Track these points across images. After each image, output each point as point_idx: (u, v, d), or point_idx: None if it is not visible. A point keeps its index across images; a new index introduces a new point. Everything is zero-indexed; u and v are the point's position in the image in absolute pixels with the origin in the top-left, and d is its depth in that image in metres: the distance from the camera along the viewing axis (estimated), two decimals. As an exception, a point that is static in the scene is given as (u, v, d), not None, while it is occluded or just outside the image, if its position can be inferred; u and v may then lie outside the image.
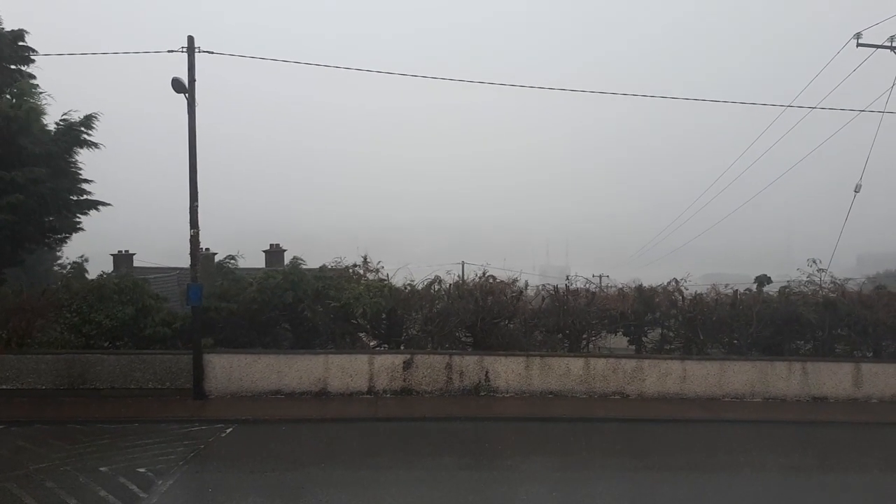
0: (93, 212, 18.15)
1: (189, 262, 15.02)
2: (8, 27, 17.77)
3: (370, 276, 16.80)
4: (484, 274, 16.88)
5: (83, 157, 17.61)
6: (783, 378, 15.83)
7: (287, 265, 17.61)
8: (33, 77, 18.37)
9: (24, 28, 17.89)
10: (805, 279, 17.31)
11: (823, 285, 17.06)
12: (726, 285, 17.79)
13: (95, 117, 17.22)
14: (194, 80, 14.76)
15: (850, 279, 18.82)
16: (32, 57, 18.46)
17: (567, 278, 17.66)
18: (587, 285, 17.68)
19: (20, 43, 18.01)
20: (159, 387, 14.88)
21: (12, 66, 17.87)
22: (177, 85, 14.25)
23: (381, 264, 17.13)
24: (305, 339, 16.26)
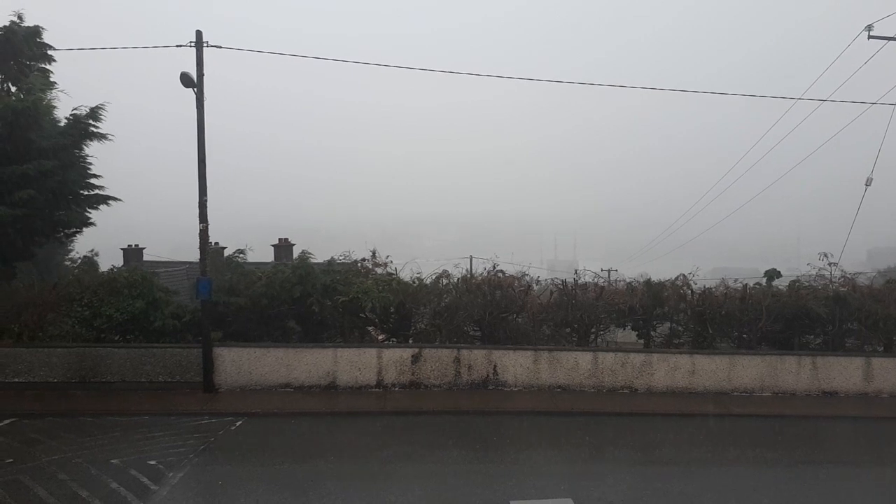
0: (103, 207, 18.21)
1: (198, 257, 15.10)
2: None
3: (378, 270, 16.84)
4: (493, 268, 16.88)
5: (93, 151, 17.66)
6: (793, 373, 15.77)
7: (296, 259, 17.65)
8: (50, 73, 18.48)
9: (41, 25, 18.10)
10: (815, 273, 17.24)
11: (833, 279, 16.98)
12: (735, 279, 17.74)
13: (103, 108, 17.26)
14: (202, 75, 14.78)
15: (860, 273, 18.71)
16: (49, 53, 18.59)
17: (575, 272, 17.64)
18: (595, 280, 17.68)
19: (37, 40, 18.15)
20: (169, 380, 14.97)
21: (29, 63, 18.03)
22: (185, 79, 14.29)
23: (389, 258, 17.20)
24: (314, 333, 16.32)
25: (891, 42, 18.03)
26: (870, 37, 17.82)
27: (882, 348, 16.83)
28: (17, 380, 14.68)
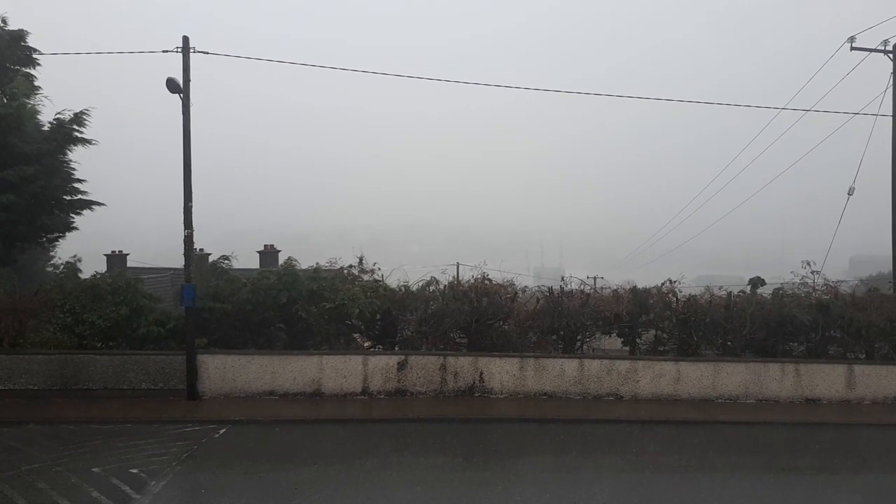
0: (86, 212, 18.09)
1: (183, 263, 14.99)
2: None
3: (365, 276, 16.77)
4: (481, 276, 16.86)
5: (77, 155, 17.55)
6: (776, 380, 15.88)
7: (282, 266, 17.56)
8: (34, 77, 18.30)
9: (25, 28, 17.93)
10: (798, 281, 17.37)
11: (816, 287, 17.11)
12: (720, 287, 17.83)
13: (87, 114, 17.15)
14: (189, 81, 14.72)
15: (842, 281, 18.89)
16: (34, 56, 18.42)
17: (562, 279, 17.69)
18: (582, 287, 17.69)
19: (22, 43, 17.98)
20: (152, 387, 14.82)
21: (13, 67, 17.85)
22: (171, 85, 14.22)
23: (376, 265, 17.11)
24: (300, 340, 16.21)
25: (872, 53, 18.32)
26: (852, 48, 18.11)
27: (864, 356, 16.98)
28: (-4, 387, 14.47)
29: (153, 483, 9.47)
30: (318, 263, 17.14)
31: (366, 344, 16.95)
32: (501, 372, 15.56)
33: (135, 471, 9.92)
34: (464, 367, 15.54)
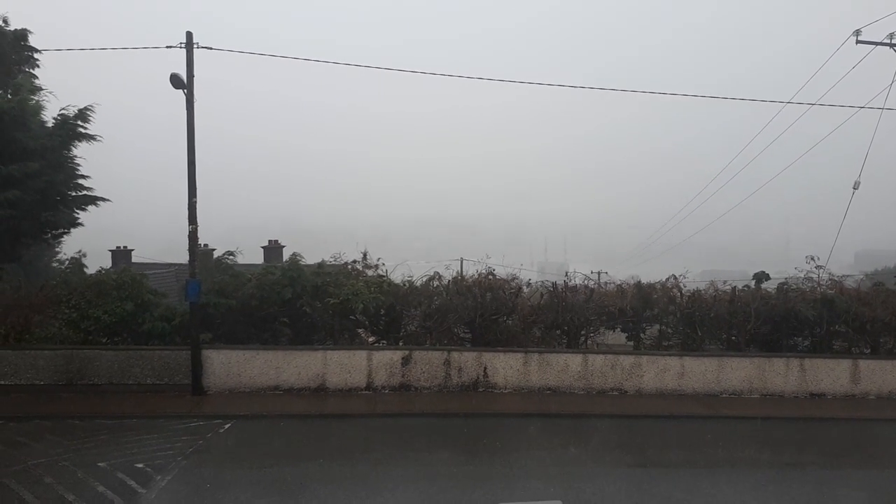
0: (91, 207, 18.11)
1: (188, 258, 15.01)
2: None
3: (369, 272, 16.79)
4: (487, 272, 16.83)
5: (82, 152, 17.57)
6: (781, 374, 15.86)
7: (286, 261, 17.58)
8: (35, 77, 18.34)
9: (28, 28, 17.97)
10: (803, 276, 17.34)
11: (821, 282, 17.07)
12: (724, 282, 17.79)
13: (91, 110, 17.16)
14: (193, 76, 14.71)
15: (847, 276, 18.86)
16: (35, 56, 18.47)
17: (566, 275, 17.65)
18: (586, 282, 17.69)
19: (23, 43, 18.01)
20: (158, 382, 14.87)
21: (16, 67, 17.91)
22: (175, 80, 14.21)
23: (380, 260, 17.12)
24: (304, 335, 16.25)
25: (878, 47, 18.22)
26: (858, 41, 17.99)
27: (869, 350, 16.94)
28: (2, 382, 14.52)
29: (159, 478, 9.51)
30: (323, 259, 17.18)
31: (370, 339, 16.97)
32: (505, 367, 15.57)
33: (140, 465, 9.97)
34: (468, 362, 15.56)
